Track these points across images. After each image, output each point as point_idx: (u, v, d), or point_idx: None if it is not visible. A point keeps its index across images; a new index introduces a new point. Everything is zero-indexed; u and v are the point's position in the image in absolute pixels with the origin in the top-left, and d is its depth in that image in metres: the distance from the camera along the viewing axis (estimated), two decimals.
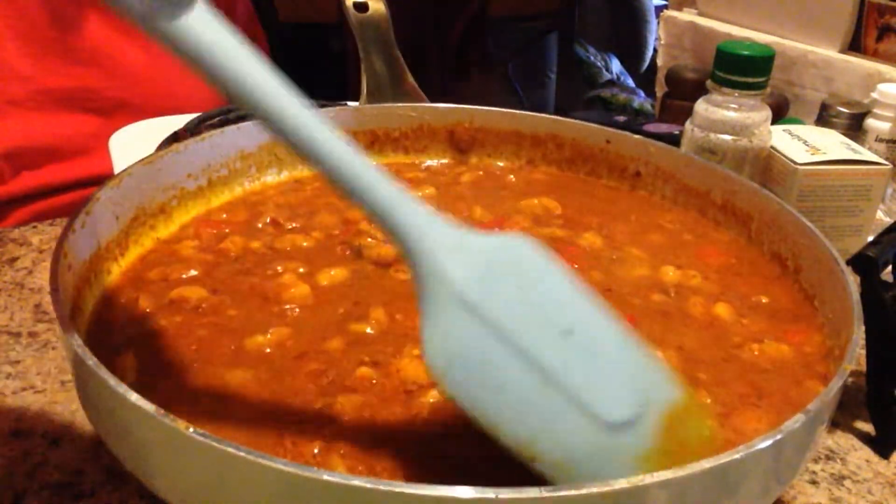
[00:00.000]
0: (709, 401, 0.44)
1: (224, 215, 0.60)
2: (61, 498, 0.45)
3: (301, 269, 0.54)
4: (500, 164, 0.71)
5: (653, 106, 1.83)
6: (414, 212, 0.35)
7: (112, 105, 0.92)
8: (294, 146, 0.34)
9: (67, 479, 0.46)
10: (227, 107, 0.81)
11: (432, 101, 0.74)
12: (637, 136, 0.67)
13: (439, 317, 0.34)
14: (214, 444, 0.32)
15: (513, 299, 0.35)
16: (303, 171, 0.67)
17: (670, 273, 0.56)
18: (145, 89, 0.93)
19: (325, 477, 0.30)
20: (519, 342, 0.34)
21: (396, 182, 0.35)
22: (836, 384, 0.38)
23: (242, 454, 0.31)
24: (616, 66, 2.46)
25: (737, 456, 0.33)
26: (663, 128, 0.90)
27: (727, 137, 0.69)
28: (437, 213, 0.35)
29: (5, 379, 0.54)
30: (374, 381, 0.44)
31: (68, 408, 0.52)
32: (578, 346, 0.35)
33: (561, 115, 0.70)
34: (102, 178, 0.54)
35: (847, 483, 0.50)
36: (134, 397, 0.34)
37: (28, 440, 0.49)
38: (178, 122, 0.78)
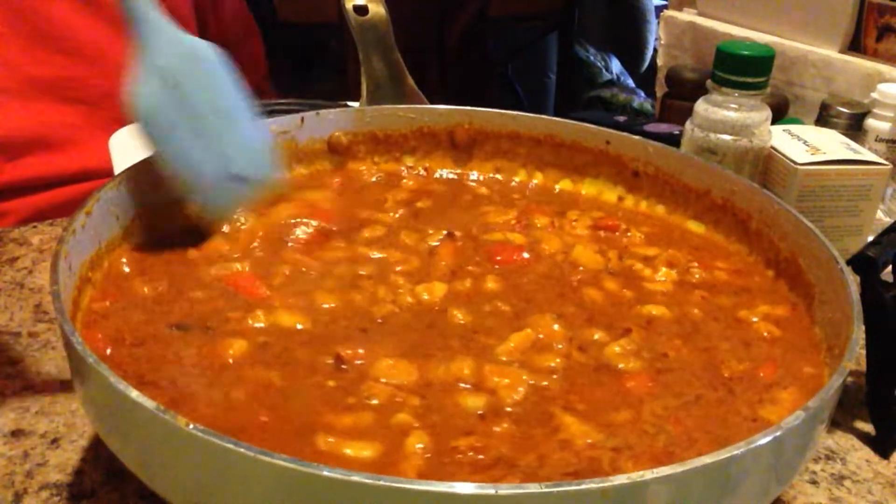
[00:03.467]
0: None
1: None
2: (61, 498, 0.45)
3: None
4: (500, 164, 0.71)
5: (653, 106, 1.83)
6: (153, 11, 0.52)
7: (98, 95, 0.91)
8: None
9: (67, 479, 0.46)
10: None
11: (432, 102, 0.74)
12: (637, 137, 0.67)
13: (147, 79, 0.52)
14: (215, 440, 0.32)
15: (197, 82, 0.54)
16: (302, 171, 0.67)
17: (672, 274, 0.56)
18: None
19: (326, 473, 0.30)
20: (195, 109, 0.53)
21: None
22: (835, 383, 0.38)
23: (242, 450, 0.31)
24: (616, 66, 2.46)
25: (737, 452, 0.33)
26: (663, 128, 0.91)
27: (727, 137, 0.69)
28: (166, 16, 0.53)
29: (5, 379, 0.54)
30: None
31: (68, 408, 0.52)
32: (229, 127, 0.55)
33: (561, 116, 0.70)
34: (96, 171, 0.56)
35: (847, 483, 0.50)
36: (134, 395, 0.34)
37: (28, 440, 0.49)
38: None
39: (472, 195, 0.67)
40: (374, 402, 0.42)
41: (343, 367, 0.44)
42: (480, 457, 0.38)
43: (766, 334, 0.50)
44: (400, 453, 0.38)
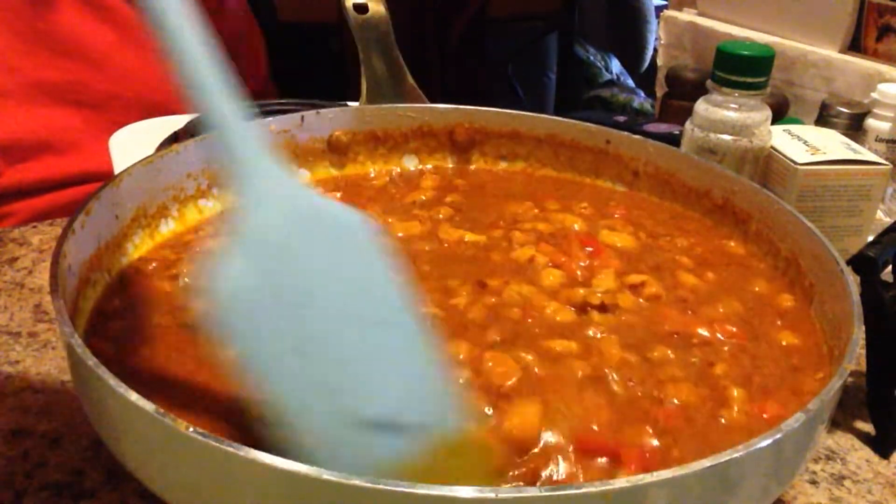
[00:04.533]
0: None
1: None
2: (61, 498, 0.45)
3: None
4: (501, 164, 0.71)
5: (653, 106, 1.83)
6: (257, 153, 0.35)
7: (102, 98, 0.91)
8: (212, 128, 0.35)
9: (67, 479, 0.46)
10: None
11: (432, 101, 0.74)
12: (637, 136, 0.67)
13: (240, 256, 0.34)
14: (214, 443, 0.32)
15: (323, 264, 0.34)
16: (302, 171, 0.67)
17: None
18: (135, 83, 0.93)
19: (325, 476, 0.30)
20: (305, 305, 0.34)
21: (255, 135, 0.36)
22: (835, 384, 0.38)
23: (242, 453, 0.31)
24: (616, 66, 2.46)
25: (736, 454, 0.33)
26: (663, 128, 0.91)
27: (727, 137, 0.69)
28: (281, 163, 0.36)
29: (5, 379, 0.54)
30: None
31: (68, 408, 0.52)
32: (367, 337, 0.35)
33: (561, 115, 0.70)
34: (97, 174, 0.54)
35: (847, 483, 0.50)
36: (134, 397, 0.34)
37: (28, 440, 0.49)
38: (178, 122, 0.78)
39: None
40: None
41: None
42: None
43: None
44: None
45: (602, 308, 0.49)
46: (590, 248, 0.56)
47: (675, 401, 0.43)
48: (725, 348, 0.48)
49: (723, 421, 0.42)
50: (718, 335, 0.49)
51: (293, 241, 0.34)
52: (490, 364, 0.43)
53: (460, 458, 0.35)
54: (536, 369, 0.44)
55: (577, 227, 0.60)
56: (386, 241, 0.36)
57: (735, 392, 0.44)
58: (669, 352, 0.47)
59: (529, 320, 0.48)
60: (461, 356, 0.44)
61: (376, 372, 0.35)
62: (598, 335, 0.47)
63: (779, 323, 0.51)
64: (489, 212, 0.63)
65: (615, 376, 0.44)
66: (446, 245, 0.57)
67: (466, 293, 0.51)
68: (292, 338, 0.34)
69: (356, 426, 0.34)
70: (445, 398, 0.37)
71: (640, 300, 0.51)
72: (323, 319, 0.34)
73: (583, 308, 0.50)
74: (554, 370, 0.44)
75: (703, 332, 0.49)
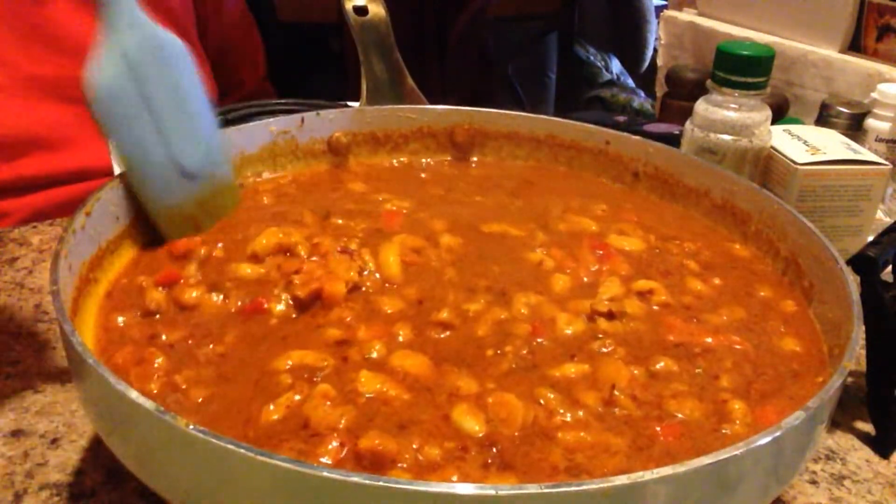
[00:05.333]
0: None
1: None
2: (61, 498, 0.45)
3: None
4: (501, 164, 0.71)
5: (653, 106, 1.83)
6: None
7: None
8: None
9: (67, 479, 0.46)
10: (227, 107, 0.81)
11: (432, 102, 0.74)
12: (637, 137, 0.67)
13: (109, 62, 0.51)
14: (214, 440, 0.32)
15: (159, 71, 0.53)
16: (298, 172, 0.67)
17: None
18: None
19: (325, 473, 0.30)
20: (152, 99, 0.53)
21: None
22: (835, 383, 0.38)
23: (242, 451, 0.31)
24: (616, 66, 2.46)
25: (736, 452, 0.33)
26: (663, 128, 0.91)
27: (727, 137, 0.69)
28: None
29: (5, 379, 0.54)
30: None
31: (68, 408, 0.52)
32: (185, 120, 0.55)
33: (561, 116, 0.70)
34: (94, 170, 0.56)
35: (847, 483, 0.50)
36: (134, 395, 0.34)
37: (28, 440, 0.49)
38: None
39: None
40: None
41: None
42: None
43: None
44: None
45: (609, 315, 0.49)
46: (600, 252, 0.56)
47: (680, 415, 0.42)
48: (728, 360, 0.47)
49: (725, 432, 0.42)
50: (721, 344, 0.48)
51: (145, 55, 0.52)
52: (495, 406, 0.41)
53: (222, 193, 0.57)
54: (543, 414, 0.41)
55: (593, 228, 0.59)
56: (192, 57, 0.55)
57: (737, 405, 0.43)
58: (674, 365, 0.46)
59: (539, 340, 0.47)
60: (465, 391, 0.42)
61: (189, 140, 0.55)
62: (606, 349, 0.46)
63: (782, 329, 0.50)
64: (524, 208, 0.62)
65: (622, 398, 0.42)
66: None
67: (485, 301, 0.49)
68: (144, 117, 0.52)
69: (175, 173, 0.54)
70: (222, 156, 0.58)
71: (648, 307, 0.51)
72: (161, 105, 0.53)
73: (590, 316, 0.49)
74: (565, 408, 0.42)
75: (708, 340, 0.48)
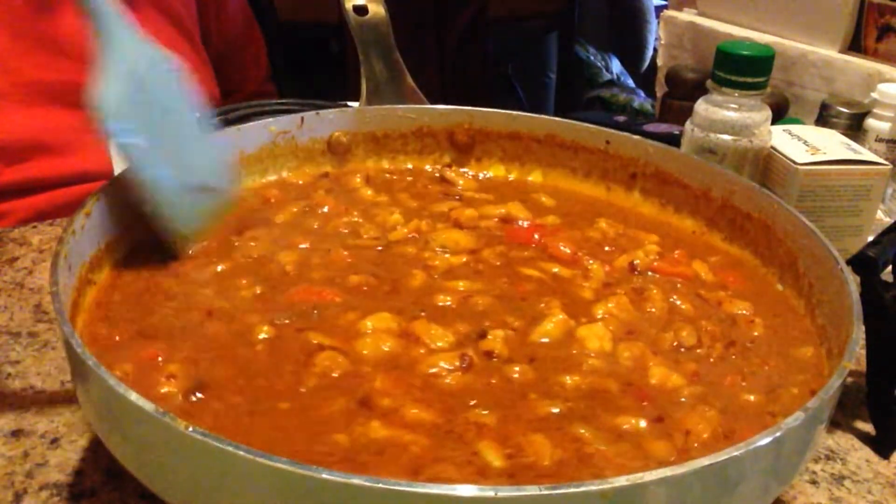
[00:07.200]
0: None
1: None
2: (61, 498, 0.45)
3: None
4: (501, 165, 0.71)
5: (653, 106, 1.83)
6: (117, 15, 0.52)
7: None
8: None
9: (67, 479, 0.46)
10: (227, 107, 0.81)
11: (432, 102, 0.74)
12: (637, 137, 0.67)
13: (114, 79, 0.50)
14: (213, 442, 0.32)
15: (162, 88, 0.53)
16: (302, 171, 0.67)
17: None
18: None
19: (325, 476, 0.30)
20: (158, 115, 0.53)
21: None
22: (835, 383, 0.38)
23: (241, 453, 0.31)
24: (616, 66, 2.46)
25: (736, 453, 0.33)
26: (663, 128, 0.91)
27: (727, 137, 0.69)
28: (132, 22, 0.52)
29: (5, 379, 0.54)
30: None
31: (68, 408, 0.52)
32: (189, 136, 0.55)
33: (561, 116, 0.70)
34: (96, 174, 0.55)
35: (847, 483, 0.50)
36: (133, 397, 0.34)
37: (28, 440, 0.49)
38: None
39: None
40: None
41: None
42: None
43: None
44: None
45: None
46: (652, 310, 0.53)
47: None
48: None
49: None
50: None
51: (148, 72, 0.52)
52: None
53: (226, 207, 0.57)
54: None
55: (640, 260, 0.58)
56: (185, 74, 0.55)
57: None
58: None
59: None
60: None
61: (196, 157, 0.55)
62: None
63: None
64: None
65: None
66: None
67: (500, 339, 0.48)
68: (153, 134, 0.52)
69: (187, 190, 0.54)
70: (227, 173, 0.59)
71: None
72: (166, 121, 0.53)
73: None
74: None
75: None
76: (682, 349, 0.49)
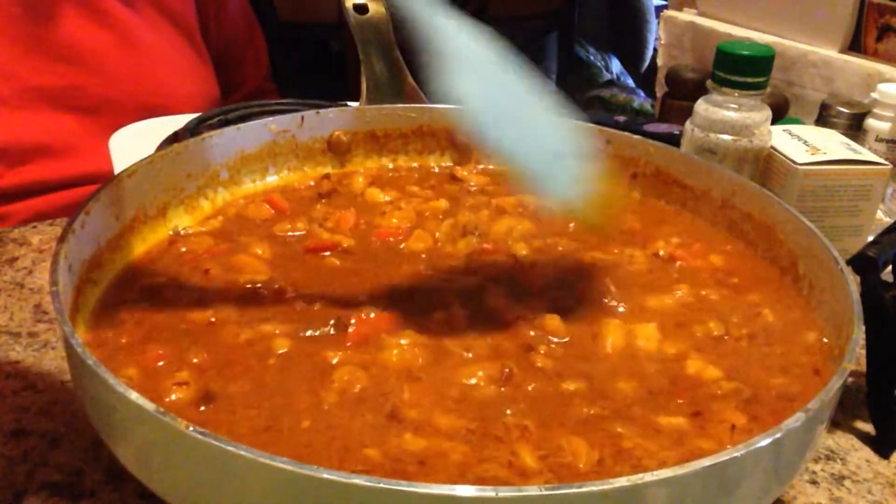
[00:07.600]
0: None
1: (221, 217, 0.61)
2: (61, 498, 0.45)
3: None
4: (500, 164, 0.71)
5: (653, 106, 1.83)
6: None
7: (97, 103, 0.92)
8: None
9: (67, 479, 0.46)
10: (227, 107, 0.81)
11: (432, 101, 0.74)
12: (637, 137, 0.67)
13: (460, 74, 0.51)
14: (214, 442, 0.32)
15: (499, 70, 0.53)
16: (302, 172, 0.67)
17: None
18: (129, 87, 0.93)
19: (325, 475, 0.30)
20: (504, 96, 0.53)
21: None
22: (835, 383, 0.38)
23: (242, 452, 0.31)
24: (616, 66, 2.46)
25: (737, 454, 0.33)
26: (663, 128, 0.90)
27: (727, 137, 0.69)
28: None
29: (5, 379, 0.54)
30: None
31: (68, 408, 0.52)
32: (531, 109, 0.54)
33: None
34: (96, 176, 0.54)
35: (847, 483, 0.50)
36: (134, 396, 0.34)
37: (28, 440, 0.49)
38: (178, 122, 0.78)
39: None
40: None
41: None
42: None
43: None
44: None
45: None
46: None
47: None
48: None
49: None
50: None
51: (482, 59, 0.53)
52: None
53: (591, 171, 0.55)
54: None
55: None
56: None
57: None
58: None
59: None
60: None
61: (549, 131, 0.54)
62: None
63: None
64: None
65: None
66: None
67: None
68: (505, 114, 0.52)
69: (551, 157, 0.53)
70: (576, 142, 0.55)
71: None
72: (511, 98, 0.53)
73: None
74: None
75: None
76: (712, 339, 0.49)
